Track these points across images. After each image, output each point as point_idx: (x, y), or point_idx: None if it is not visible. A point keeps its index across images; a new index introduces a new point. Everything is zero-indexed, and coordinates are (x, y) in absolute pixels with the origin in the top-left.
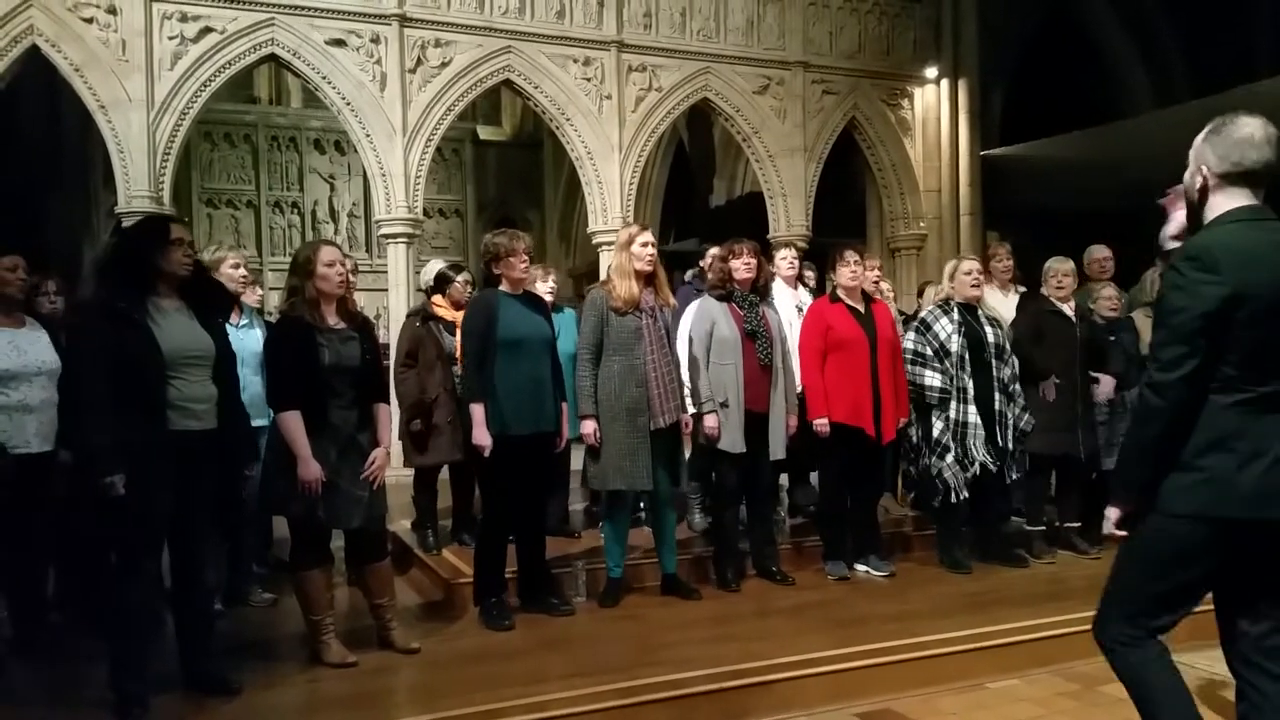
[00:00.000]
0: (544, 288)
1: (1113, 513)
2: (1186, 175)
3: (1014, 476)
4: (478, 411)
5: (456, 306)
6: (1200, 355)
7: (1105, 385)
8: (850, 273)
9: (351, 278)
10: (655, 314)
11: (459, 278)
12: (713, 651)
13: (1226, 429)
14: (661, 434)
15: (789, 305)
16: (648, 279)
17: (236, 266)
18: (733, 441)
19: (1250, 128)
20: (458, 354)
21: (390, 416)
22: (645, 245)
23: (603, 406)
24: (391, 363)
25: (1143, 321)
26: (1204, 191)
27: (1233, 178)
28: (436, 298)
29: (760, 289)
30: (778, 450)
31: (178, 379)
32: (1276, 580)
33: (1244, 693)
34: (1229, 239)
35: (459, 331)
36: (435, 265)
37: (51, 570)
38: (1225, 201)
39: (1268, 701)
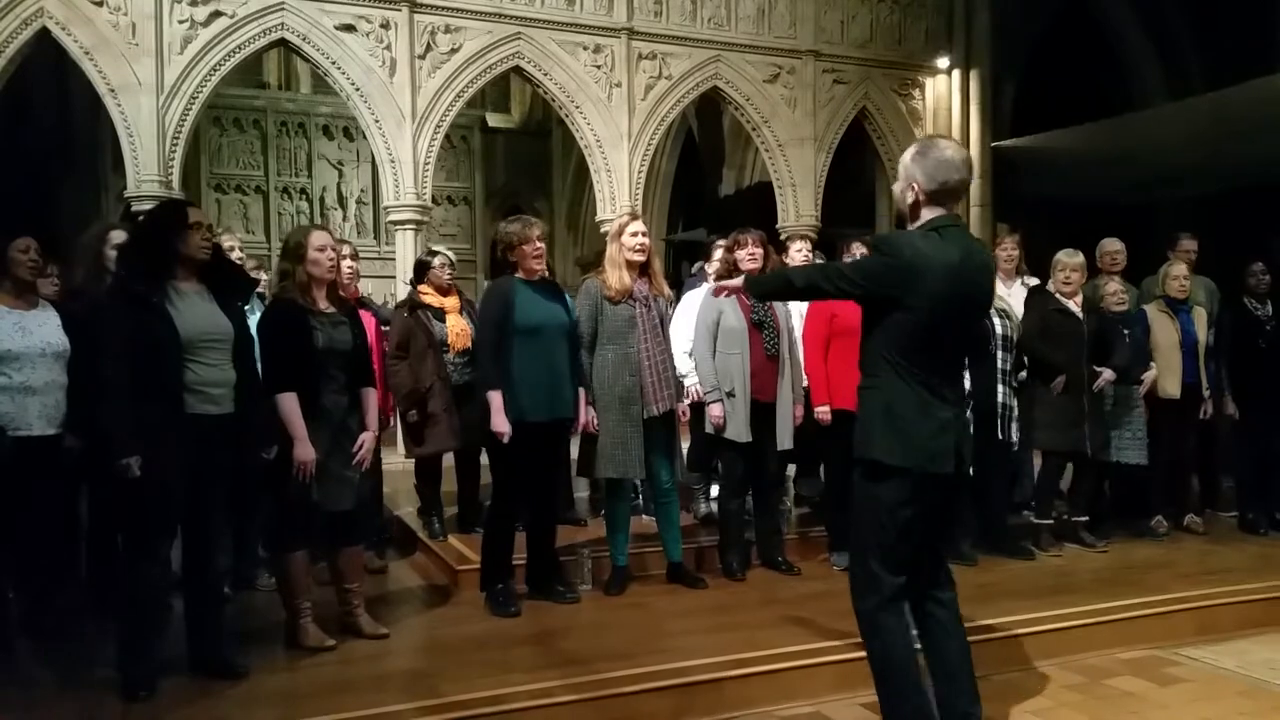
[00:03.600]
0: None
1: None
2: (897, 189)
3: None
4: (495, 399)
5: (441, 291)
6: (855, 295)
7: (1104, 377)
8: None
9: (353, 263)
10: (649, 303)
11: (435, 261)
12: (718, 640)
13: (908, 403)
14: (658, 423)
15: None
16: (641, 268)
17: (231, 250)
18: (738, 431)
19: (950, 151)
20: (448, 340)
21: (376, 401)
22: (635, 235)
23: (596, 395)
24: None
25: (1155, 315)
26: (915, 206)
27: (937, 194)
28: (421, 286)
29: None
30: (785, 440)
31: (196, 363)
32: (941, 525)
33: (922, 621)
34: (918, 241)
35: (448, 318)
36: (434, 247)
37: (59, 552)
38: (929, 214)
39: (938, 623)
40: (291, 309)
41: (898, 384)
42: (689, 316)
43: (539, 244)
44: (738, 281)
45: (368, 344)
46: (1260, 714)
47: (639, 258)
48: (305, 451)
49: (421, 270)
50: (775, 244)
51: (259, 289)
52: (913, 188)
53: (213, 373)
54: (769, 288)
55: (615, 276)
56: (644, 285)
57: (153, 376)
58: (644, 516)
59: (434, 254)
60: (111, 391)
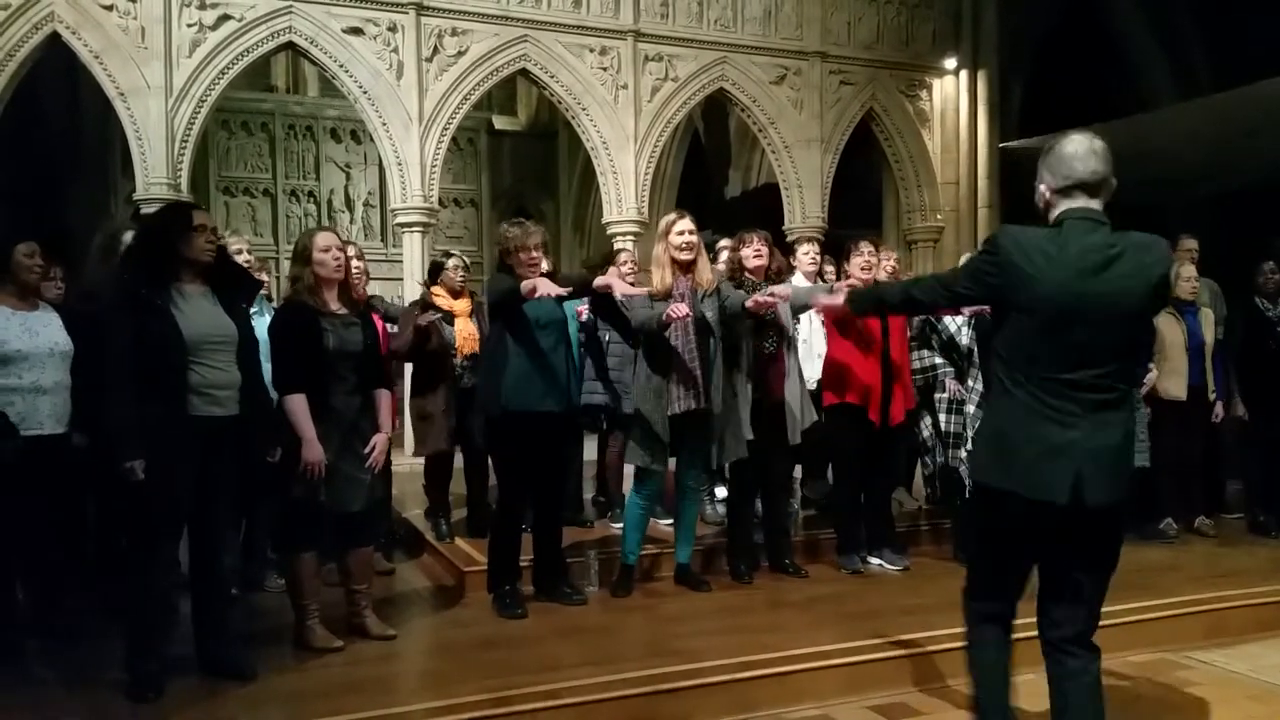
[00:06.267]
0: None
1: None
2: (1037, 198)
3: None
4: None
5: (453, 294)
6: (961, 299)
7: None
8: (863, 263)
9: (359, 263)
10: (687, 300)
11: (450, 263)
12: (726, 643)
13: (1016, 419)
14: (690, 421)
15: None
16: (686, 266)
17: (239, 252)
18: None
19: (1075, 144)
20: (456, 344)
21: (390, 402)
22: (683, 234)
23: (633, 387)
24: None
25: (1162, 316)
26: (1047, 209)
27: (1067, 190)
28: (434, 287)
29: (772, 278)
30: (794, 436)
31: (201, 364)
32: (1069, 566)
33: (1050, 671)
34: (1029, 235)
35: (457, 321)
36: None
37: (65, 552)
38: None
39: (1067, 687)
40: (302, 310)
41: (1010, 397)
42: None
43: (535, 253)
44: (836, 300)
45: (379, 345)
46: (1272, 718)
47: (687, 256)
48: (313, 452)
49: (435, 272)
50: (781, 246)
51: (264, 291)
52: (1042, 191)
53: (217, 374)
54: (863, 305)
55: (659, 276)
56: (685, 283)
57: (157, 379)
58: (652, 520)
59: (448, 255)
60: (116, 394)
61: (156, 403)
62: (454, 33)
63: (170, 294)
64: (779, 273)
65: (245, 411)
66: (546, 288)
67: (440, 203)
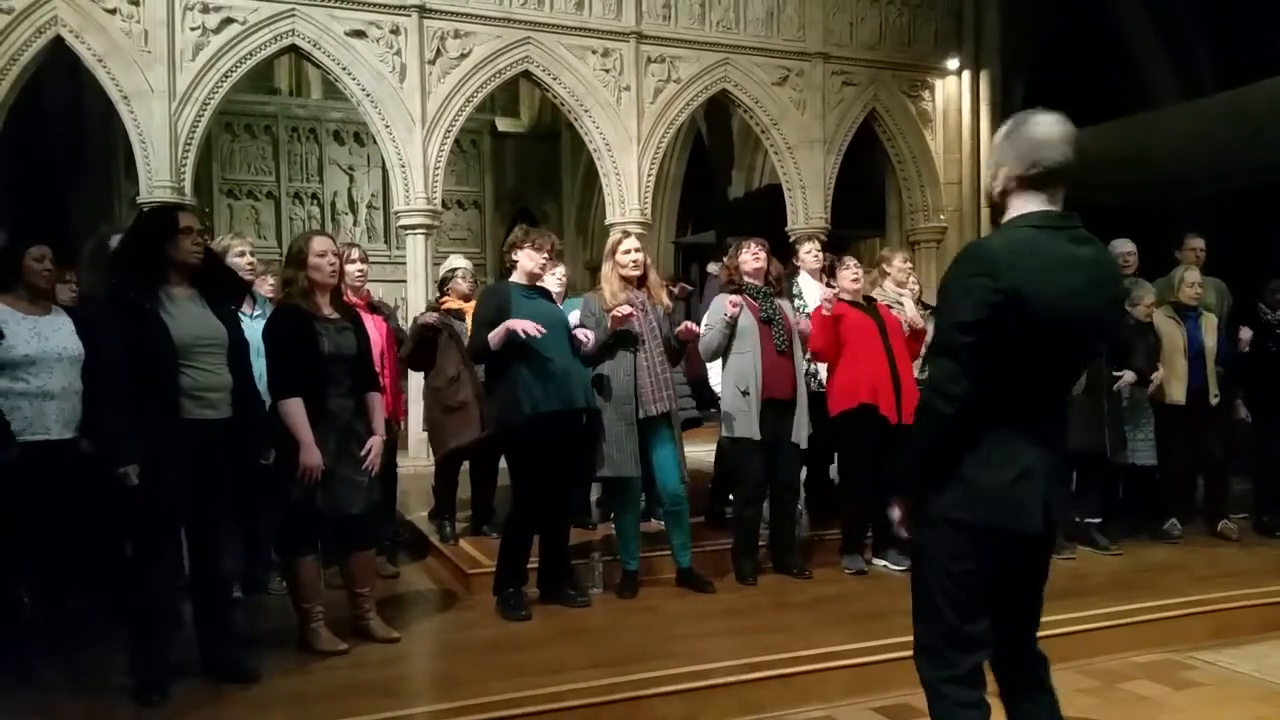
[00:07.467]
0: (552, 281)
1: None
2: (985, 177)
3: None
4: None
5: (464, 299)
6: (971, 366)
7: (1125, 379)
8: (852, 276)
9: (363, 266)
10: (646, 308)
11: (457, 273)
12: (731, 644)
13: (983, 443)
14: (661, 426)
15: (817, 299)
16: (638, 282)
17: (242, 255)
18: (749, 428)
19: (1046, 126)
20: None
21: (383, 405)
22: (629, 252)
23: (597, 397)
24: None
25: (1162, 320)
26: (1005, 195)
27: (1033, 180)
28: (444, 297)
29: (773, 282)
30: (801, 436)
31: (192, 368)
32: (1027, 596)
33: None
34: (1001, 244)
35: (467, 318)
36: (454, 260)
37: (70, 556)
38: (1022, 205)
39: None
40: (296, 314)
41: (975, 420)
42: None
43: (546, 254)
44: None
45: (371, 349)
46: (1278, 719)
47: (634, 273)
48: (312, 456)
49: (444, 283)
50: (784, 246)
51: (269, 293)
52: (1000, 173)
53: (209, 377)
54: (917, 472)
55: (609, 292)
56: (641, 294)
57: (149, 383)
58: (652, 520)
59: (454, 270)
60: (107, 399)
61: (148, 407)
62: (456, 35)
63: (158, 297)
64: (779, 279)
65: (237, 414)
66: (519, 326)
67: (443, 204)
